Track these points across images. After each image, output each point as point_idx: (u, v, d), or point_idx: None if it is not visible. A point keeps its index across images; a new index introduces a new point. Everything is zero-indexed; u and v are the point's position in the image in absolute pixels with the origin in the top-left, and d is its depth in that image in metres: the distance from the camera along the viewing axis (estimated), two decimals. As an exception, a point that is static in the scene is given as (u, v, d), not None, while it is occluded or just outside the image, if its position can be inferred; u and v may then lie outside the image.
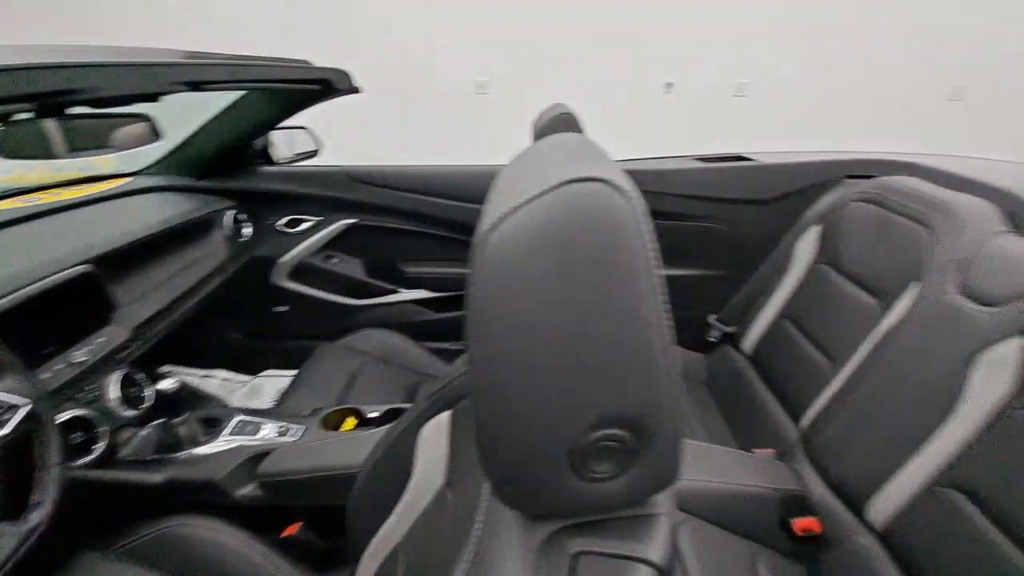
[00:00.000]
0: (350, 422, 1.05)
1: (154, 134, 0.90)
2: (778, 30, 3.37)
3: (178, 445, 0.96)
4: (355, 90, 1.27)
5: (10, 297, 0.79)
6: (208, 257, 1.35)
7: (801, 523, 0.89)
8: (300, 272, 1.61)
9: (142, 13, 3.19)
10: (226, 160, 1.48)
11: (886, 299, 0.97)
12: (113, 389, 0.96)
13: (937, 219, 0.93)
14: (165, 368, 1.49)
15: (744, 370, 1.29)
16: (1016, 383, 0.69)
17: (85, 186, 1.36)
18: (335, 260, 1.63)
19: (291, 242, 1.57)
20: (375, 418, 1.06)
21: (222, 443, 0.97)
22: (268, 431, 0.99)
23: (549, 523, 0.33)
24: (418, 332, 1.58)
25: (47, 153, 0.74)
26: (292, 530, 0.90)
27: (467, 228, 1.55)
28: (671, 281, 1.32)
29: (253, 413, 1.05)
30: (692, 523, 0.88)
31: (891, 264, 0.98)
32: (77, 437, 0.87)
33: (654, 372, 0.28)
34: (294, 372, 1.39)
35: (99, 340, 0.95)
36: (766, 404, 1.17)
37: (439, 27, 3.27)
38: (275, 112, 1.36)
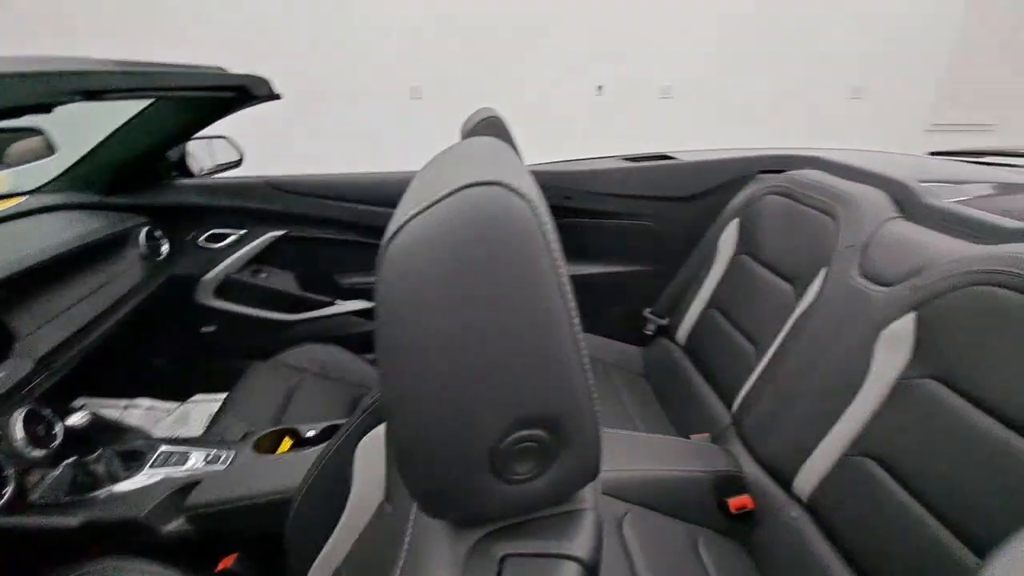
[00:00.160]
0: (286, 443, 1.01)
1: (49, 148, 0.82)
2: (700, 37, 3.57)
3: (95, 483, 0.88)
4: (275, 96, 1.22)
5: None
6: (121, 278, 1.25)
7: (736, 501, 0.94)
8: (227, 289, 1.52)
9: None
10: (137, 174, 1.38)
11: (800, 285, 1.04)
12: (17, 428, 0.87)
13: (839, 209, 1.01)
14: (80, 401, 1.37)
15: (679, 360, 1.34)
16: (911, 355, 0.76)
17: (-29, 209, 1.23)
18: (264, 275, 1.56)
19: (215, 258, 1.49)
20: (313, 437, 1.02)
21: (145, 477, 0.90)
22: (195, 460, 0.93)
23: (476, 529, 0.33)
24: (358, 344, 1.54)
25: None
26: (227, 562, 0.85)
27: None
28: (608, 278, 1.36)
29: (178, 442, 0.98)
30: (635, 512, 0.90)
31: (802, 252, 1.06)
32: None
33: (566, 370, 0.28)
34: (224, 395, 1.32)
35: None
36: (700, 391, 1.22)
37: (373, 34, 3.20)
38: (189, 122, 1.29)
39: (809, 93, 3.90)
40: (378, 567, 0.47)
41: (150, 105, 1.21)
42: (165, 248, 1.41)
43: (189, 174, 1.50)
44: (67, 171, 1.34)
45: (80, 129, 1.28)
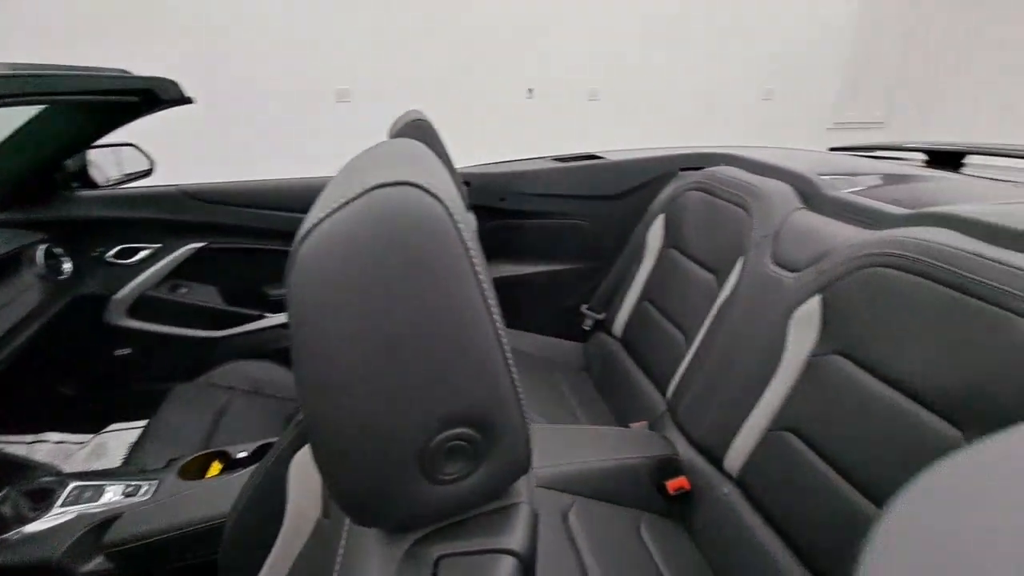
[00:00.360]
0: (215, 467, 0.95)
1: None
2: (625, 43, 3.71)
3: (2, 527, 0.80)
4: (186, 100, 1.16)
5: None
6: (16, 302, 1.13)
7: (674, 483, 0.98)
8: (142, 308, 1.42)
9: None
10: (28, 187, 1.26)
11: (721, 274, 1.11)
12: None
13: (751, 202, 1.08)
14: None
15: (616, 352, 1.39)
16: (819, 334, 0.83)
17: None
18: (184, 290, 1.46)
19: (126, 275, 1.38)
20: (244, 458, 0.96)
21: (56, 516, 0.82)
22: (113, 494, 0.86)
23: (410, 534, 0.33)
24: (289, 357, 1.47)
25: None
26: (153, 600, 0.79)
27: None
28: (544, 277, 1.38)
29: (92, 476, 0.90)
30: (579, 503, 0.93)
31: (722, 243, 1.12)
32: None
33: (489, 366, 0.29)
34: (145, 423, 1.22)
35: None
36: (637, 381, 1.27)
37: (298, 36, 3.08)
38: (89, 129, 1.19)
39: (726, 95, 4.16)
40: None
41: (43, 111, 1.11)
42: (68, 267, 1.30)
43: (93, 185, 1.38)
44: (-55, 186, 1.20)
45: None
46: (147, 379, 1.49)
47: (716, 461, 0.96)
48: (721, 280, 1.10)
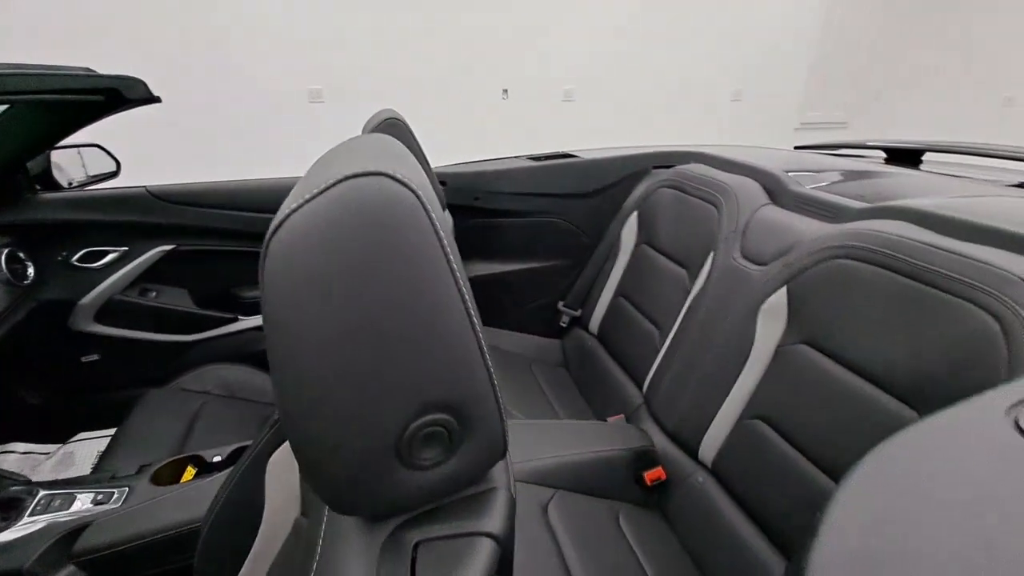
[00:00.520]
0: (189, 472, 0.93)
1: None
2: (599, 45, 3.76)
3: None
4: (153, 99, 1.13)
5: None
6: None
7: (650, 474, 1.00)
8: (109, 312, 1.38)
9: None
10: (-14, 189, 1.22)
11: (693, 269, 1.13)
12: None
13: (720, 198, 1.11)
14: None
15: (593, 348, 1.41)
16: (786, 324, 0.86)
17: None
18: (153, 294, 1.42)
19: (93, 279, 1.34)
20: (219, 462, 0.95)
21: (24, 526, 0.80)
22: (83, 502, 0.84)
23: (391, 521, 0.33)
24: (266, 360, 1.45)
25: None
26: (127, 609, 0.77)
27: None
28: (521, 275, 1.39)
29: (61, 484, 0.88)
30: (559, 496, 0.94)
31: (693, 239, 1.15)
32: None
33: (463, 353, 0.29)
34: (115, 430, 1.19)
35: None
36: (614, 375, 1.29)
37: (271, 36, 3.03)
38: (51, 129, 1.16)
39: (697, 96, 4.25)
40: None
41: (4, 111, 1.07)
42: (31, 271, 1.25)
43: (57, 187, 1.34)
44: None
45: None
46: (116, 386, 1.45)
47: (691, 451, 0.99)
48: (693, 275, 1.13)
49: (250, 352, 1.50)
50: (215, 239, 1.41)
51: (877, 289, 0.73)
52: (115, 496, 0.85)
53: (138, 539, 0.78)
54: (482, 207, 1.50)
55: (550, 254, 1.58)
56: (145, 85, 1.11)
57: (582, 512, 0.93)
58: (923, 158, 1.38)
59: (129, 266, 1.36)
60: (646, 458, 1.03)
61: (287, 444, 0.58)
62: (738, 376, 0.91)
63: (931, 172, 1.25)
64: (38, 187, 1.31)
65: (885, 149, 1.45)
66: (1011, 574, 0.24)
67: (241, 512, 0.62)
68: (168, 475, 0.91)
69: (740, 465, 0.89)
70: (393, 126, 0.99)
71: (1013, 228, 0.69)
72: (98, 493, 0.85)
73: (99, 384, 1.45)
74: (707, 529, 0.92)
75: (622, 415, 1.18)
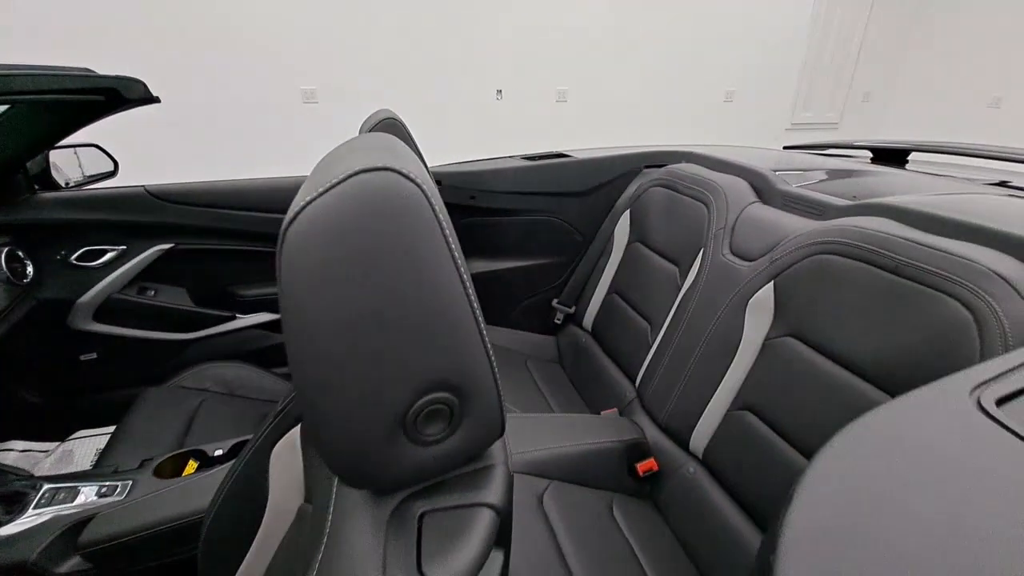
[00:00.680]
0: (191, 466, 0.95)
1: None
2: (593, 46, 3.79)
3: None
4: (153, 99, 1.14)
5: None
6: None
7: (643, 465, 1.03)
8: (108, 311, 1.39)
9: None
10: (-15, 189, 1.23)
11: (684, 266, 1.16)
12: None
13: (710, 196, 1.14)
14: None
15: (586, 344, 1.43)
16: (773, 317, 0.89)
17: None
18: (152, 292, 1.44)
19: (91, 278, 1.35)
20: (221, 456, 0.97)
21: (29, 519, 0.81)
22: (87, 495, 0.85)
23: (397, 495, 0.35)
24: (265, 358, 1.47)
25: None
26: (132, 598, 0.79)
27: None
28: (516, 273, 1.42)
29: (65, 478, 0.89)
30: (553, 486, 0.96)
31: (683, 236, 1.18)
32: None
33: (463, 335, 0.32)
34: (115, 427, 1.20)
35: None
36: (607, 370, 1.32)
37: (264, 36, 3.03)
38: (51, 129, 1.17)
39: (689, 97, 4.29)
40: (303, 562, 0.47)
41: (4, 112, 1.08)
42: (30, 270, 1.27)
43: (55, 187, 1.35)
44: None
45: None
46: (115, 384, 1.46)
47: (682, 442, 1.01)
48: (684, 271, 1.16)
49: (248, 350, 1.51)
50: (213, 238, 1.42)
51: (859, 283, 0.76)
52: (119, 489, 0.87)
53: (143, 530, 0.79)
54: (477, 206, 1.52)
55: (544, 252, 1.60)
56: (144, 85, 1.13)
57: (576, 502, 0.96)
58: (909, 158, 1.41)
59: (128, 265, 1.37)
60: (638, 450, 1.05)
61: (289, 435, 0.61)
62: (727, 369, 0.94)
63: (915, 171, 1.29)
64: (37, 187, 1.33)
65: (872, 149, 1.48)
66: (971, 544, 0.27)
67: (244, 502, 0.64)
68: (170, 468, 0.93)
69: (730, 455, 0.92)
70: (391, 126, 1.01)
71: (988, 224, 0.72)
72: (102, 486, 0.87)
73: (98, 382, 1.46)
74: (698, 518, 0.95)
75: (615, 409, 1.21)
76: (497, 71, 3.61)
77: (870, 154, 1.49)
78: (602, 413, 1.20)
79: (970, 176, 1.19)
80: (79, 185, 1.41)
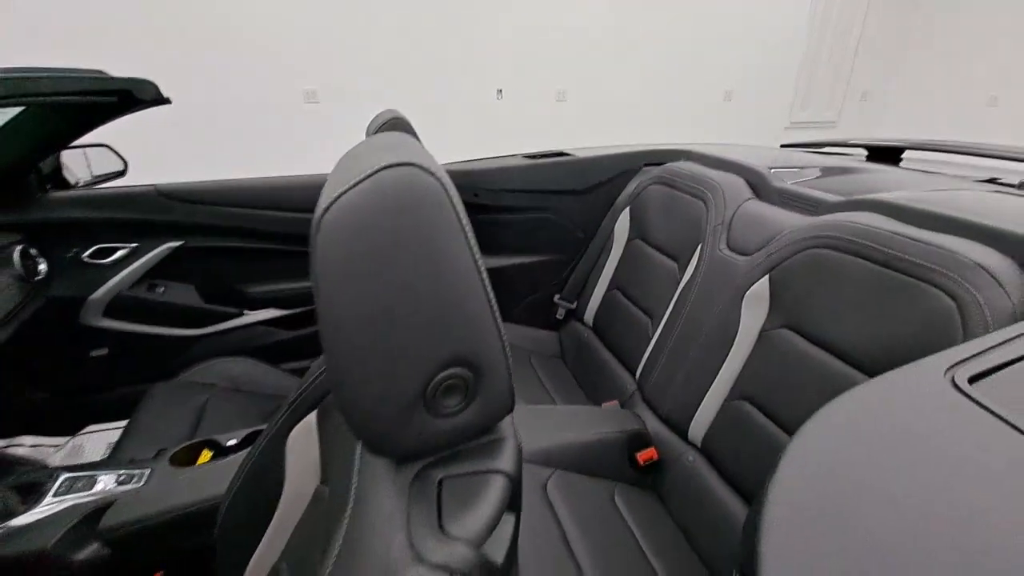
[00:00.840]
0: (205, 455, 0.98)
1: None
2: (592, 45, 3.82)
3: None
4: (164, 101, 1.17)
5: None
6: None
7: (643, 455, 1.06)
8: (118, 308, 1.42)
9: None
10: (3, 188, 1.25)
11: (682, 261, 1.19)
12: None
13: (707, 194, 1.17)
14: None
15: (588, 339, 1.46)
16: (769, 310, 0.92)
17: None
18: (161, 289, 1.47)
19: (103, 275, 1.38)
20: (234, 446, 0.99)
21: (49, 507, 0.84)
22: (105, 483, 0.88)
23: (417, 463, 0.38)
24: (272, 354, 1.50)
25: None
26: (152, 581, 0.82)
27: (307, 240, 1.50)
28: (518, 269, 1.45)
29: (82, 467, 0.92)
30: (558, 475, 0.99)
31: (682, 232, 1.21)
32: None
33: (479, 316, 0.35)
34: (124, 423, 1.23)
35: None
36: (608, 364, 1.35)
37: (266, 36, 3.06)
38: (64, 130, 1.19)
39: (688, 96, 4.33)
40: (320, 551, 0.50)
41: (19, 112, 1.11)
42: (43, 268, 1.29)
43: (66, 186, 1.38)
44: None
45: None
46: (124, 380, 1.49)
47: (681, 432, 1.04)
48: (682, 266, 1.19)
49: (255, 346, 1.54)
50: (221, 236, 1.45)
51: (851, 275, 0.79)
52: (136, 477, 0.90)
53: (161, 516, 0.82)
54: (480, 203, 1.55)
55: (546, 249, 1.63)
56: (156, 87, 1.15)
57: (579, 490, 0.99)
58: (903, 156, 1.44)
59: (138, 262, 1.40)
60: (639, 440, 1.08)
61: (306, 420, 0.63)
62: (724, 360, 0.97)
63: (908, 169, 1.32)
64: (49, 186, 1.35)
65: (867, 147, 1.51)
66: (941, 511, 0.30)
67: (260, 487, 0.67)
68: (185, 457, 0.96)
69: (727, 444, 0.95)
70: (396, 125, 1.04)
71: (973, 219, 0.75)
72: (120, 475, 0.89)
73: (108, 378, 1.49)
74: (697, 504, 0.98)
75: (616, 401, 1.24)
76: (497, 71, 3.65)
77: (865, 152, 1.52)
78: (603, 405, 1.23)
79: (962, 173, 1.22)
80: (89, 184, 1.44)
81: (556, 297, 1.62)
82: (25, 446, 1.43)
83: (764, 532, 0.32)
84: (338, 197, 0.31)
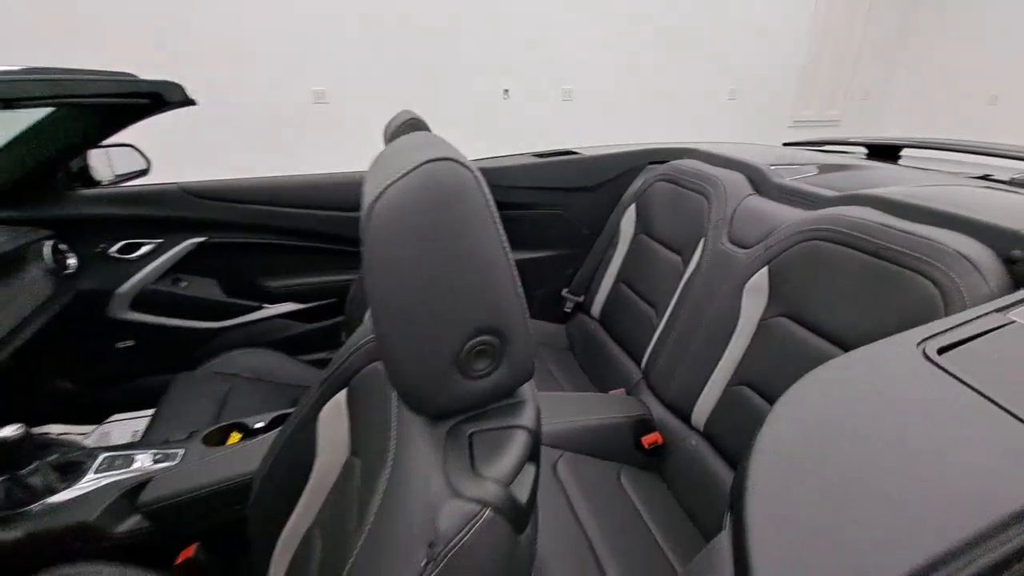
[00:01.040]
0: (235, 437, 1.03)
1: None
2: (597, 46, 3.87)
3: (34, 496, 0.86)
4: (190, 102, 1.23)
5: None
6: (25, 296, 1.19)
7: (648, 439, 1.11)
8: (144, 301, 1.48)
9: None
10: (32, 186, 1.31)
11: (686, 254, 1.24)
12: None
13: (710, 190, 1.22)
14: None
15: (595, 331, 1.51)
16: (767, 300, 0.96)
17: None
18: (185, 283, 1.53)
19: (129, 269, 1.44)
20: (261, 428, 1.05)
21: (89, 483, 0.89)
22: (143, 461, 0.94)
23: (449, 420, 0.44)
24: (290, 346, 1.55)
25: None
26: (188, 552, 0.87)
27: (326, 236, 1.56)
28: (527, 264, 1.51)
29: (120, 448, 0.98)
30: (567, 456, 1.05)
31: (685, 227, 1.26)
32: None
33: (506, 292, 0.40)
34: (150, 412, 1.29)
35: None
36: (615, 355, 1.40)
37: (275, 38, 3.12)
38: (95, 130, 1.26)
39: (693, 95, 4.37)
40: (350, 516, 0.55)
41: (53, 112, 1.17)
42: (72, 262, 1.35)
43: (93, 184, 1.44)
44: (-50, 185, 1.25)
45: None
46: (148, 371, 1.55)
47: (684, 417, 1.09)
48: (686, 260, 1.24)
49: (274, 338, 1.60)
50: (242, 232, 1.51)
51: (844, 265, 0.84)
52: (172, 456, 0.95)
53: (197, 491, 0.87)
54: None
55: (554, 244, 1.68)
56: (183, 89, 1.21)
57: (587, 470, 1.04)
58: (901, 153, 1.49)
59: (163, 257, 1.46)
60: (644, 425, 1.13)
61: (336, 398, 0.69)
62: (726, 348, 1.02)
63: (904, 166, 1.36)
64: (77, 184, 1.42)
65: (866, 145, 1.56)
66: (911, 465, 0.35)
67: (293, 462, 0.72)
68: (216, 438, 1.01)
69: (728, 428, 1.00)
70: (414, 125, 1.09)
71: (956, 211, 0.80)
72: (157, 453, 0.95)
73: (132, 369, 1.55)
74: (700, 486, 1.03)
75: (622, 389, 1.29)
76: (504, 71, 3.69)
77: (865, 150, 1.57)
78: (610, 393, 1.28)
79: (958, 170, 1.27)
80: (115, 182, 1.50)
81: (564, 291, 1.68)
82: (53, 435, 1.49)
83: (751, 472, 0.37)
84: (388, 187, 0.37)
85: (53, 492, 0.89)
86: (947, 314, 0.67)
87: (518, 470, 0.40)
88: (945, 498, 0.31)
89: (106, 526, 0.86)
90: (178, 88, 1.20)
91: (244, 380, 1.41)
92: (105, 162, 1.49)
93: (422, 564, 0.35)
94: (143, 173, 1.56)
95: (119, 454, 0.95)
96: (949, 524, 0.30)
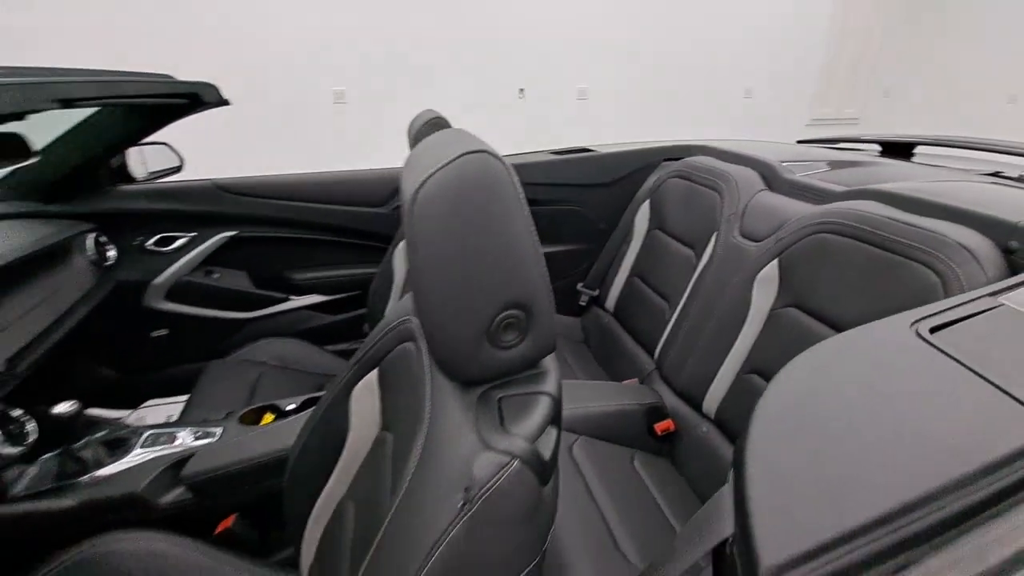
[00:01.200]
0: (268, 417, 1.09)
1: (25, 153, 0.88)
2: (611, 45, 3.89)
3: (84, 469, 0.93)
4: (224, 102, 1.30)
5: None
6: (71, 285, 1.27)
7: (661, 425, 1.15)
8: (178, 292, 1.55)
9: None
10: (77, 181, 1.39)
11: (698, 248, 1.28)
12: None
13: (722, 186, 1.26)
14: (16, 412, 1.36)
15: (609, 324, 1.55)
16: (777, 291, 1.00)
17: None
18: (217, 275, 1.60)
19: (165, 261, 1.52)
20: (293, 409, 1.11)
21: (136, 457, 0.96)
22: (184, 438, 1.00)
23: (479, 387, 0.49)
24: (316, 336, 1.62)
25: None
26: (227, 523, 0.93)
27: (350, 231, 1.62)
28: (545, 258, 1.54)
29: (163, 426, 1.05)
30: (583, 440, 1.09)
31: (698, 222, 1.29)
32: None
33: (532, 271, 0.45)
34: (183, 397, 1.36)
35: None
36: (628, 346, 1.44)
37: (295, 39, 3.20)
38: (136, 128, 1.33)
39: (709, 93, 4.37)
40: (383, 487, 0.60)
41: (97, 112, 1.24)
42: (112, 254, 1.43)
43: (130, 180, 1.52)
44: (3, 180, 1.33)
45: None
46: (181, 359, 1.62)
47: (696, 405, 1.13)
48: (698, 253, 1.27)
49: (301, 328, 1.67)
50: (272, 227, 1.58)
51: (850, 257, 0.87)
52: (211, 433, 1.02)
53: (236, 465, 0.93)
54: None
55: (570, 240, 1.72)
56: (218, 90, 1.28)
57: (602, 454, 1.08)
58: (915, 151, 1.50)
59: (196, 250, 1.54)
60: (657, 412, 1.17)
61: (368, 377, 0.74)
62: (737, 338, 1.05)
63: (916, 163, 1.38)
64: (116, 180, 1.49)
65: (880, 143, 1.57)
66: (899, 429, 0.38)
67: (327, 436, 0.77)
68: (252, 418, 1.07)
69: (739, 415, 1.03)
70: (438, 124, 1.14)
71: (959, 205, 0.83)
72: (198, 431, 1.02)
73: (166, 357, 1.62)
74: (711, 472, 1.06)
75: (636, 379, 1.33)
76: (520, 71, 3.74)
77: (878, 147, 1.58)
78: (624, 382, 1.32)
79: (970, 167, 1.28)
80: (150, 179, 1.58)
81: (579, 285, 1.72)
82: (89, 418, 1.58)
83: (751, 433, 0.41)
84: (430, 176, 0.42)
85: (102, 465, 0.96)
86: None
87: (542, 430, 0.45)
88: (923, 449, 0.35)
89: (152, 497, 0.92)
90: (214, 89, 1.26)
91: (272, 368, 1.47)
92: (140, 160, 1.57)
93: (459, 506, 0.40)
94: (177, 170, 1.64)
95: (162, 431, 1.02)
96: (924, 472, 0.34)
